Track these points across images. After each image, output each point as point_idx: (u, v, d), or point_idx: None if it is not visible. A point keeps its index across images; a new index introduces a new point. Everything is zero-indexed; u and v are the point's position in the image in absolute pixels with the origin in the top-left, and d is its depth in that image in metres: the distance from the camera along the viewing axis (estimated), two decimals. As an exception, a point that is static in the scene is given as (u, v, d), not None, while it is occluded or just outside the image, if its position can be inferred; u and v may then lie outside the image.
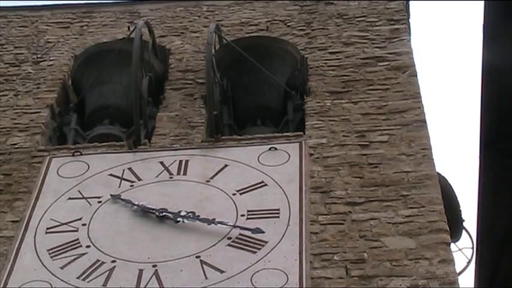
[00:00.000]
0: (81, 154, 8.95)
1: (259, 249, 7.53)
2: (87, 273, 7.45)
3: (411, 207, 7.81)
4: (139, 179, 8.57)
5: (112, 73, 10.11)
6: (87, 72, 10.33)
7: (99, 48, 10.51)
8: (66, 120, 9.95)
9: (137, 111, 9.09)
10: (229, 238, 7.68)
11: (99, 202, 8.30)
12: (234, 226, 7.75)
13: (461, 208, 10.49)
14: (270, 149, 8.74)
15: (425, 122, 8.85)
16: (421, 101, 9.15)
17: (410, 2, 10.97)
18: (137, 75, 9.16)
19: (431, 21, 26.68)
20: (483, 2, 9.06)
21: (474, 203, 10.35)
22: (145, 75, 9.57)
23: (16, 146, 9.16)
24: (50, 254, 7.72)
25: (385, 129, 8.81)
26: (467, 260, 10.61)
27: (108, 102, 10.05)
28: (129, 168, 8.71)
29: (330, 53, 10.13)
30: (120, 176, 8.62)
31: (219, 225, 7.76)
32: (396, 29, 10.37)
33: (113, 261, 7.56)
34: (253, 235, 7.64)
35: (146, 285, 7.28)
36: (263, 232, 7.62)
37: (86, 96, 10.20)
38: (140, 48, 9.37)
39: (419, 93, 9.28)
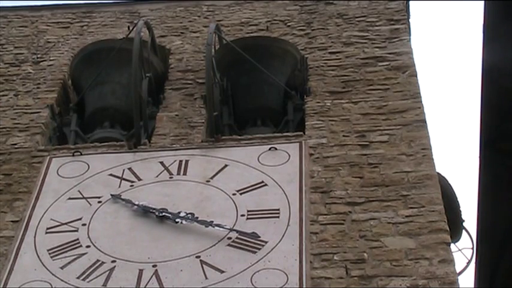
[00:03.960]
0: (81, 154, 8.95)
1: (259, 249, 7.53)
2: (87, 273, 7.45)
3: (411, 207, 7.80)
4: (139, 179, 8.57)
5: (111, 72, 10.06)
6: (86, 71, 10.29)
7: (98, 47, 10.44)
8: (66, 120, 9.93)
9: (137, 114, 9.07)
10: (229, 238, 7.68)
11: (99, 202, 8.30)
12: (231, 229, 7.74)
13: (461, 208, 10.50)
14: (270, 149, 8.74)
15: (425, 122, 8.85)
16: (421, 101, 9.15)
17: (410, 2, 10.99)
18: (137, 77, 9.14)
19: (431, 21, 26.70)
20: (483, 2, 9.08)
21: (474, 203, 10.38)
22: (145, 76, 9.55)
23: (16, 146, 9.16)
24: (50, 254, 7.71)
25: (385, 129, 8.80)
26: (467, 261, 10.62)
27: (107, 103, 10.00)
28: (129, 168, 8.71)
29: (330, 53, 10.13)
30: (120, 176, 8.62)
31: (216, 228, 7.76)
32: (396, 29, 10.37)
33: (113, 261, 7.55)
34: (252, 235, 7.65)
35: (146, 285, 7.28)
36: (259, 237, 7.61)
37: (86, 95, 10.18)
38: (140, 49, 9.35)
39: (419, 93, 9.28)
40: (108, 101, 10.00)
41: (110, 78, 10.07)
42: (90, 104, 10.10)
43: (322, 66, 9.91)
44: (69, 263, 7.59)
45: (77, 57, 10.45)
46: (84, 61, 10.39)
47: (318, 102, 9.33)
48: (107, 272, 7.44)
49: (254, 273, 7.28)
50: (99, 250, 7.71)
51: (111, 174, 8.66)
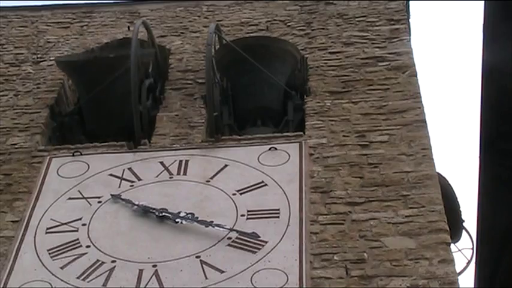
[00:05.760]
0: (81, 154, 8.95)
1: (259, 249, 7.53)
2: (87, 273, 7.45)
3: (411, 207, 7.80)
4: (140, 179, 8.56)
5: (104, 81, 9.63)
6: (75, 75, 9.98)
7: (84, 57, 10.04)
8: (67, 122, 9.85)
9: (137, 121, 9.04)
10: (229, 238, 7.68)
11: (99, 202, 8.30)
12: (231, 229, 7.74)
13: (461, 208, 10.50)
14: (270, 149, 8.74)
15: (425, 122, 8.85)
16: (421, 101, 9.15)
17: (410, 2, 10.99)
18: (136, 84, 9.07)
19: (431, 21, 26.72)
20: (483, 2, 9.09)
21: (474, 203, 10.39)
22: (141, 106, 9.30)
23: (16, 146, 9.16)
24: (50, 254, 7.71)
25: (385, 129, 8.80)
26: (467, 261, 10.62)
27: (108, 122, 9.69)
28: (129, 168, 8.71)
29: (330, 53, 10.13)
30: (120, 176, 8.62)
31: (216, 228, 7.76)
32: (396, 29, 10.37)
33: (113, 261, 7.55)
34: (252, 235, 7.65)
35: (146, 285, 7.28)
36: (259, 237, 7.61)
37: (82, 98, 10.01)
38: (137, 60, 9.21)
39: (419, 93, 9.28)
40: (108, 120, 9.70)
41: (106, 92, 9.66)
42: (88, 114, 9.87)
43: (322, 66, 9.91)
44: (69, 263, 7.59)
45: (61, 64, 10.01)
46: (71, 68, 10.00)
47: (318, 102, 9.33)
48: (107, 272, 7.44)
49: (254, 273, 7.28)
50: (99, 250, 7.70)
51: (111, 174, 8.66)
